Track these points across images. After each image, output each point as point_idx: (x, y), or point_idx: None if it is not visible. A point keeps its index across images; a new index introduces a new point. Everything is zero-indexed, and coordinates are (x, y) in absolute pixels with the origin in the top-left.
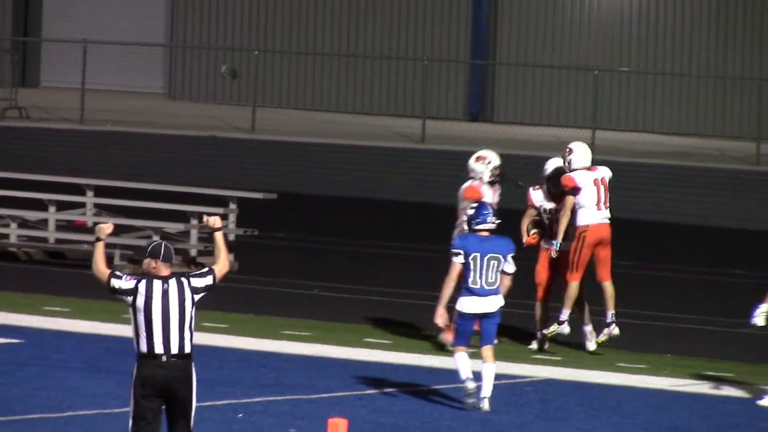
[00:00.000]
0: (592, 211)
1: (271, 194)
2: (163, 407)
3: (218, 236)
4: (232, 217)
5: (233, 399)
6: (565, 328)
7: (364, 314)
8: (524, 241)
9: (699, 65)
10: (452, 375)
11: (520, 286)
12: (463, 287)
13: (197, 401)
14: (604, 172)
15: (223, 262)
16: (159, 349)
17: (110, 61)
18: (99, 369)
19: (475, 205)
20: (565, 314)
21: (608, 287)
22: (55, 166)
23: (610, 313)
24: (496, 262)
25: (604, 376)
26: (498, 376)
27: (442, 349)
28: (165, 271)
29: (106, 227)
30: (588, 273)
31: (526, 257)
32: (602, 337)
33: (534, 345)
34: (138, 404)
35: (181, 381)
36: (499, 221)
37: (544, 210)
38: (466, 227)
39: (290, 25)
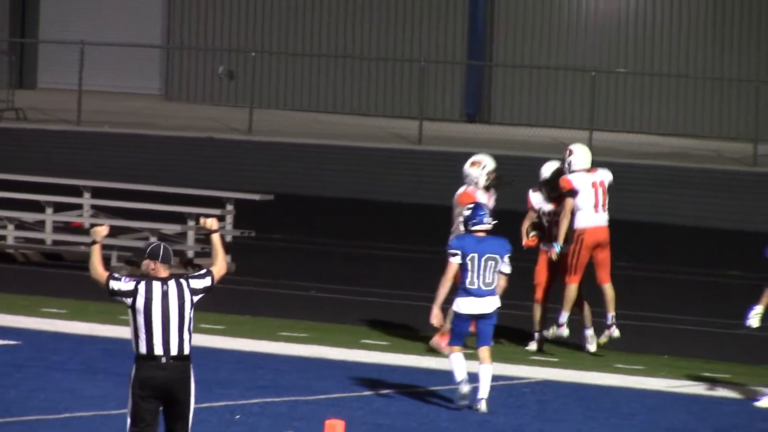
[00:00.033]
0: (589, 213)
1: (268, 195)
2: (161, 409)
3: (215, 238)
4: (229, 219)
5: (230, 400)
6: (564, 331)
7: (361, 315)
8: (523, 243)
9: (696, 66)
10: (449, 376)
11: (517, 287)
12: (459, 288)
13: (194, 403)
14: (604, 175)
15: (220, 264)
16: (158, 350)
17: (107, 63)
18: (96, 370)
19: (471, 206)
20: (564, 317)
21: (608, 289)
22: (53, 167)
23: (611, 315)
24: (493, 262)
25: (601, 377)
26: (495, 378)
27: (434, 352)
28: (164, 272)
29: (101, 229)
30: (589, 275)
31: (522, 258)
32: (603, 339)
33: (531, 346)
34: (136, 405)
35: (180, 382)
36: (496, 221)
37: (543, 212)
38: (462, 228)
39: (287, 27)
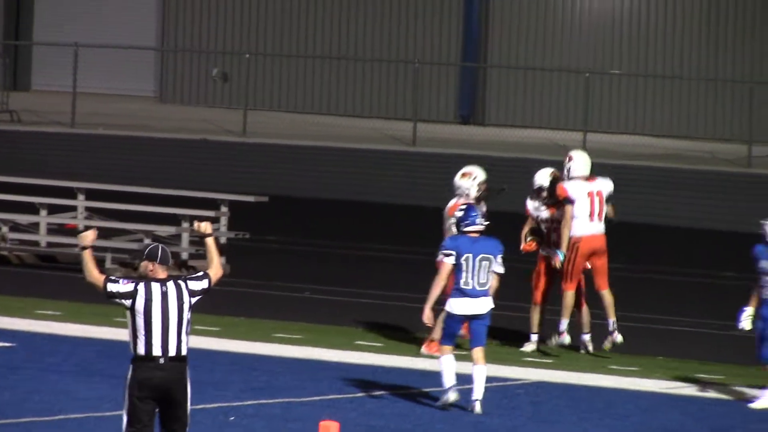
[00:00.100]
0: (584, 222)
1: (262, 197)
2: (157, 410)
3: (209, 242)
4: (223, 220)
5: (225, 402)
6: (566, 338)
7: (356, 317)
8: (522, 248)
9: (690, 67)
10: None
11: (512, 289)
12: (453, 288)
13: (190, 404)
14: (602, 185)
15: (216, 267)
16: (157, 351)
17: (101, 65)
18: (91, 372)
19: (463, 207)
20: (563, 324)
21: (607, 295)
22: (47, 169)
23: (612, 320)
24: (487, 262)
25: (595, 378)
26: (489, 379)
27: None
28: (162, 273)
29: (89, 234)
30: (589, 280)
31: (519, 260)
32: (606, 345)
33: (527, 347)
34: (133, 406)
35: (178, 383)
36: (488, 223)
37: (541, 219)
38: (454, 229)
39: (281, 28)
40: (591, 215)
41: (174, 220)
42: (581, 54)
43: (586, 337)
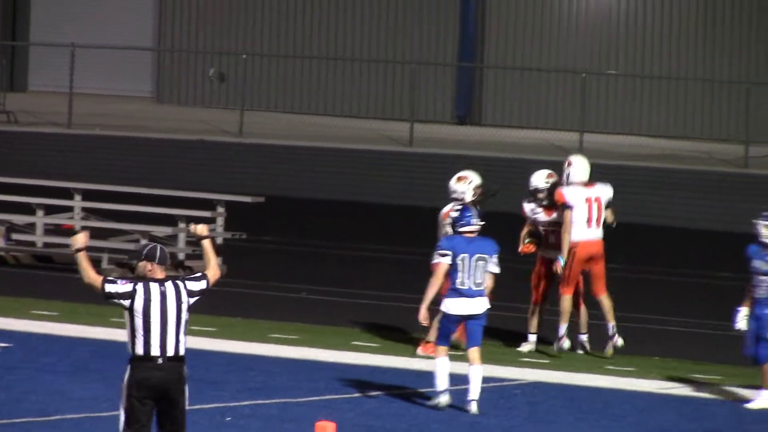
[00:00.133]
0: (581, 228)
1: (259, 197)
2: (154, 411)
3: (206, 244)
4: (220, 221)
5: (221, 402)
6: (565, 343)
7: (352, 317)
8: (520, 249)
9: (687, 68)
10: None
11: (509, 289)
12: (449, 288)
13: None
14: (601, 191)
15: (214, 269)
16: (155, 351)
17: (98, 65)
18: (87, 372)
19: (458, 208)
20: (562, 329)
21: (605, 300)
22: (44, 170)
23: (611, 325)
24: (483, 262)
25: (592, 378)
26: (486, 379)
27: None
28: (160, 273)
29: (80, 237)
30: (588, 279)
31: (517, 261)
32: (608, 351)
33: (524, 347)
34: (132, 406)
35: (176, 383)
36: (483, 223)
37: (538, 221)
38: (449, 230)
39: (278, 29)
40: (589, 221)
41: (170, 221)
42: (578, 54)
43: (584, 338)
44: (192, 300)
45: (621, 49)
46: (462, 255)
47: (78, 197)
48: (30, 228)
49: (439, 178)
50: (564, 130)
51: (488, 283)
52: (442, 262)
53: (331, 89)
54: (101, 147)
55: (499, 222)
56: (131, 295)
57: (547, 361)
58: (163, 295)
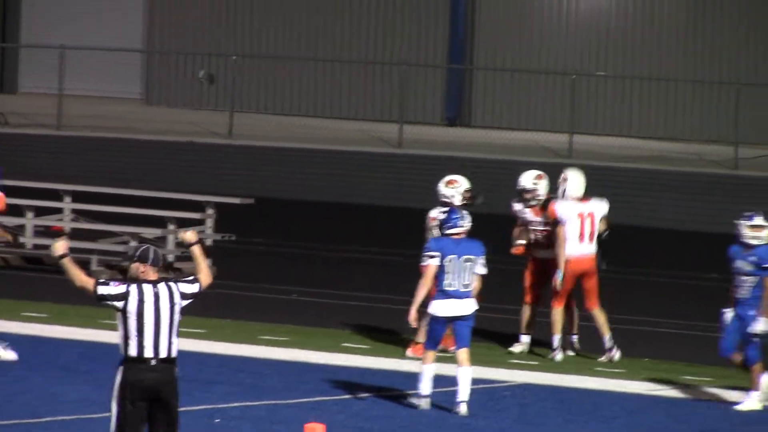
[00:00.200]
0: (574, 243)
1: (248, 199)
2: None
3: (195, 250)
4: (209, 222)
5: (210, 404)
6: (558, 355)
7: (342, 319)
8: (512, 250)
9: (676, 69)
10: (431, 380)
11: (495, 290)
12: (437, 290)
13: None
14: (595, 207)
15: (205, 274)
16: (149, 352)
17: (88, 67)
18: (77, 374)
19: (445, 209)
20: (555, 340)
21: (598, 314)
22: (33, 171)
23: (607, 337)
24: (471, 263)
25: (581, 380)
26: (476, 381)
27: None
28: (153, 275)
29: (60, 245)
30: (579, 297)
31: (509, 262)
32: (604, 360)
33: (516, 348)
34: (124, 408)
35: (168, 384)
36: (470, 225)
37: (527, 221)
38: (436, 232)
39: (267, 31)
40: (581, 237)
41: (160, 223)
42: (567, 56)
43: (574, 338)
44: (185, 302)
45: (610, 51)
46: (450, 256)
47: (68, 199)
48: (19, 230)
49: (428, 179)
50: (553, 131)
51: (475, 284)
52: (430, 263)
53: (320, 91)
54: (91, 149)
55: (488, 223)
56: (124, 297)
57: (536, 363)
58: (157, 297)
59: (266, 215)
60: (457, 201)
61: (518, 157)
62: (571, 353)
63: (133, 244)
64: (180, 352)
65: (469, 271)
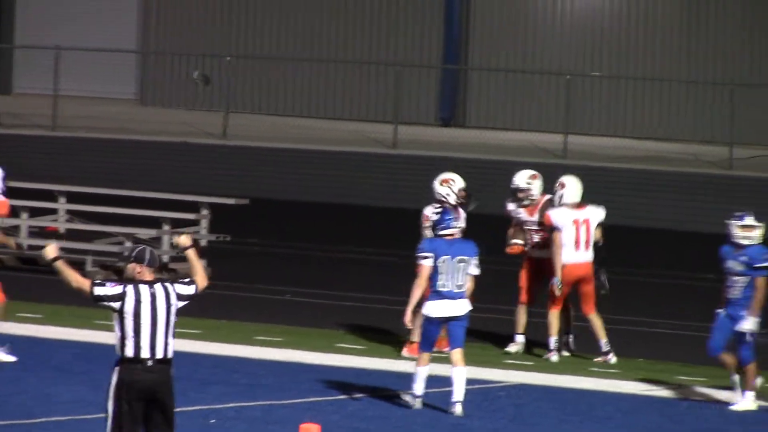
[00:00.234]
0: (569, 250)
1: (243, 200)
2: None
3: (190, 254)
4: (204, 223)
5: (205, 404)
6: (554, 357)
7: (337, 319)
8: (507, 250)
9: (671, 70)
10: (427, 381)
11: (489, 290)
12: (431, 291)
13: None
14: (591, 214)
15: (201, 278)
16: (145, 353)
17: (82, 68)
18: (71, 375)
19: (438, 210)
20: (552, 342)
21: (594, 319)
22: (28, 172)
23: (603, 342)
24: (464, 264)
25: (576, 380)
26: (470, 381)
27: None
28: (149, 276)
29: (51, 249)
30: (576, 302)
31: (495, 262)
32: (600, 361)
33: (512, 348)
34: (120, 409)
35: (164, 385)
36: (463, 226)
37: (521, 220)
38: (428, 233)
39: (262, 31)
40: (576, 243)
41: (155, 223)
42: (562, 56)
43: (570, 338)
44: (181, 304)
45: (605, 51)
46: (443, 257)
47: (62, 199)
48: (14, 230)
49: (423, 180)
50: (549, 132)
51: (469, 285)
52: (424, 264)
53: (315, 91)
54: (86, 149)
55: (482, 223)
56: (121, 297)
57: (531, 363)
58: (153, 297)
59: (261, 216)
60: (452, 200)
61: (513, 158)
62: (566, 354)
63: (129, 244)
64: (175, 353)
65: (462, 271)
